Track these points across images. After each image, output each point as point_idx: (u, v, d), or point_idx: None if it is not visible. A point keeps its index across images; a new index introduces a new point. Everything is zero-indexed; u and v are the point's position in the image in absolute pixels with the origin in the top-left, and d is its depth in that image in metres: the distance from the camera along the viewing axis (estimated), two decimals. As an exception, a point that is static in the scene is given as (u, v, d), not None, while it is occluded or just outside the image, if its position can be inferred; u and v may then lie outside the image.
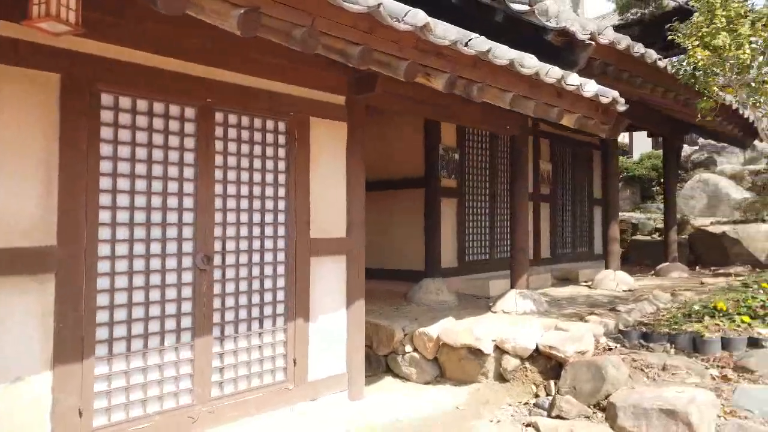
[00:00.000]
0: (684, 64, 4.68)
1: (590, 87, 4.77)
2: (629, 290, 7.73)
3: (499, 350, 4.82)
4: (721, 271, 10.23)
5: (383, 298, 7.16)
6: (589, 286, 8.10)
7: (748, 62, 4.16)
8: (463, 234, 7.50)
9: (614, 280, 7.85)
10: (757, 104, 4.39)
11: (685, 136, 10.08)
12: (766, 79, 4.20)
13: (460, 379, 5.04)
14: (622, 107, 5.25)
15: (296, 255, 3.94)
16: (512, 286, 6.24)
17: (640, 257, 12.05)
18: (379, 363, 5.66)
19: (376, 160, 7.90)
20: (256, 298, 3.75)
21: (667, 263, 9.77)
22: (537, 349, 4.68)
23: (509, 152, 6.38)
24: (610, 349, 4.77)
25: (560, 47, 5.11)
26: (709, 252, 11.07)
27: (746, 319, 5.15)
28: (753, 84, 4.29)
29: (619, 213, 14.37)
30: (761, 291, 6.31)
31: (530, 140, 8.68)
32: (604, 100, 4.98)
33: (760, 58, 4.20)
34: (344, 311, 4.29)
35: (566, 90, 4.55)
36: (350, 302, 4.32)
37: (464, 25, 3.55)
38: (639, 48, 5.38)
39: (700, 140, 14.86)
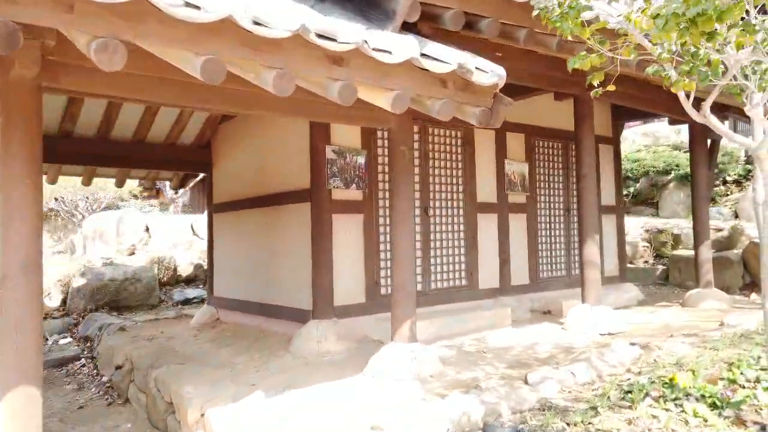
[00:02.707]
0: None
1: (400, 47, 3.03)
2: (609, 333, 5.64)
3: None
4: (779, 298, 7.67)
5: (265, 345, 5.63)
6: (562, 325, 6.07)
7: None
8: (375, 261, 5.79)
9: (591, 318, 5.79)
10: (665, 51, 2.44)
11: (721, 120, 7.66)
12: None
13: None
14: (489, 79, 3.43)
15: None
16: (392, 338, 4.49)
17: (683, 277, 9.57)
18: (186, 448, 4.13)
19: (258, 170, 6.43)
20: None
21: (698, 289, 7.42)
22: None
23: (388, 153, 4.63)
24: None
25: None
26: (768, 271, 8.45)
27: (700, 410, 3.11)
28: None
29: (655, 220, 11.79)
30: (780, 346, 4.14)
31: (492, 135, 6.86)
32: (443, 69, 3.21)
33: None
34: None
35: (345, 52, 2.85)
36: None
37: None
38: (519, -17, 3.51)
39: (775, 127, 11.91)
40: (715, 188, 12.70)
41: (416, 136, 6.18)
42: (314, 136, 5.40)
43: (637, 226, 11.29)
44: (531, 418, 3.32)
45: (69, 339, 7.87)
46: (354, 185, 5.59)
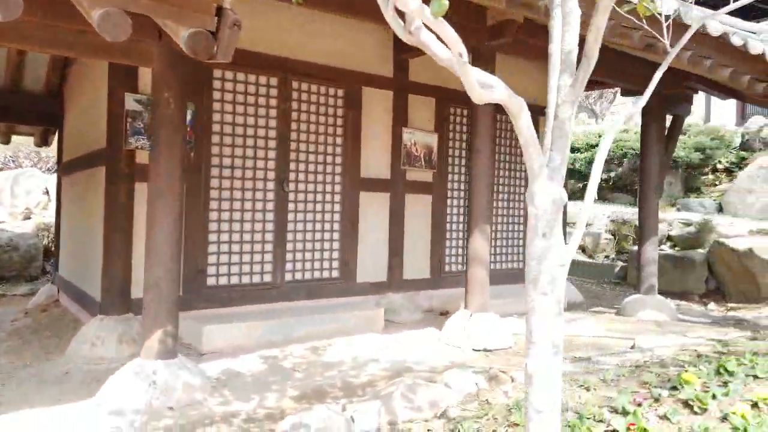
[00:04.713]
0: None
1: None
2: (486, 349, 4.45)
3: None
4: (739, 314, 6.39)
5: (56, 342, 4.54)
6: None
7: None
8: (199, 244, 4.63)
9: (467, 329, 4.59)
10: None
11: (681, 91, 6.26)
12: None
13: None
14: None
15: None
16: (141, 353, 3.33)
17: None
18: None
19: (85, 124, 5.29)
20: None
21: (639, 295, 6.17)
22: None
23: (152, 102, 3.39)
24: None
25: None
26: (734, 279, 7.17)
27: None
28: None
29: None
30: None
31: (389, 96, 5.62)
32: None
33: None
34: None
35: None
36: None
37: None
38: None
39: (775, 109, 10.41)
40: (702, 177, 11.26)
41: (274, 91, 4.94)
42: (112, 79, 4.21)
43: (603, 215, 9.95)
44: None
45: None
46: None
